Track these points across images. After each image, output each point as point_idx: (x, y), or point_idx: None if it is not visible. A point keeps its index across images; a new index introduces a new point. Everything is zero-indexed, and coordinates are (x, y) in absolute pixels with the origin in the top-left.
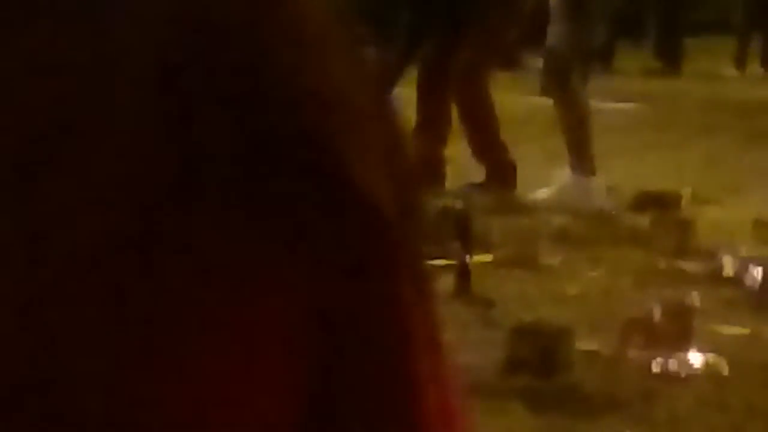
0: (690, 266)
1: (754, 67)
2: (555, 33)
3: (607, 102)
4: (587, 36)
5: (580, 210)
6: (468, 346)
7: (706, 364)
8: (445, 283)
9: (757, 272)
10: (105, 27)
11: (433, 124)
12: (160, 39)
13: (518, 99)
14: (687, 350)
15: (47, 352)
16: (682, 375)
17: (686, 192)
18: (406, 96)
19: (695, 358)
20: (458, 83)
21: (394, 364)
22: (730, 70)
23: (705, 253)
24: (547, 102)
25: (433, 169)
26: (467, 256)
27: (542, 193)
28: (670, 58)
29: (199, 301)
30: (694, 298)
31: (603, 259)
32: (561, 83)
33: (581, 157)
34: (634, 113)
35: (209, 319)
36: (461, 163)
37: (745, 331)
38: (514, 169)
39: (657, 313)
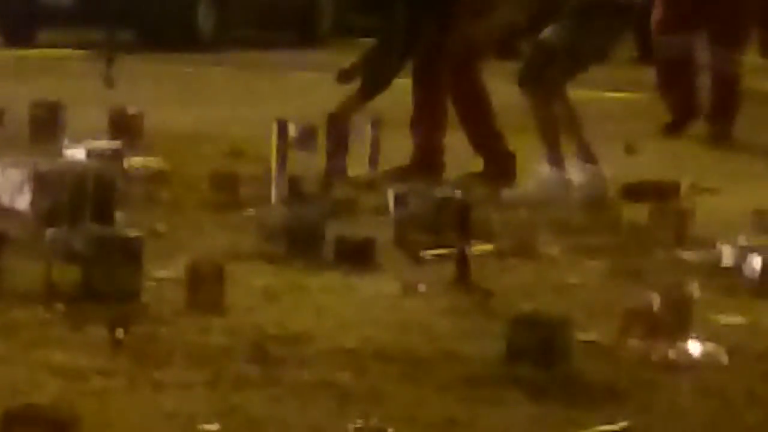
0: (689, 255)
1: (751, 56)
2: (554, 29)
3: (605, 91)
4: (587, 40)
5: (559, 204)
6: (467, 335)
7: (706, 354)
8: (445, 272)
9: (757, 261)
10: None
11: (429, 114)
12: None
13: (515, 88)
14: (686, 339)
15: None
16: (682, 364)
17: (685, 181)
18: (403, 86)
19: (695, 348)
20: (451, 72)
21: None
22: None
23: (704, 242)
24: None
25: (431, 159)
26: (466, 246)
27: (521, 189)
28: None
29: None
30: (694, 287)
31: (602, 248)
32: (537, 76)
33: (555, 151)
34: (632, 102)
35: None
36: (460, 153)
37: (745, 320)
38: (512, 158)
39: (656, 303)
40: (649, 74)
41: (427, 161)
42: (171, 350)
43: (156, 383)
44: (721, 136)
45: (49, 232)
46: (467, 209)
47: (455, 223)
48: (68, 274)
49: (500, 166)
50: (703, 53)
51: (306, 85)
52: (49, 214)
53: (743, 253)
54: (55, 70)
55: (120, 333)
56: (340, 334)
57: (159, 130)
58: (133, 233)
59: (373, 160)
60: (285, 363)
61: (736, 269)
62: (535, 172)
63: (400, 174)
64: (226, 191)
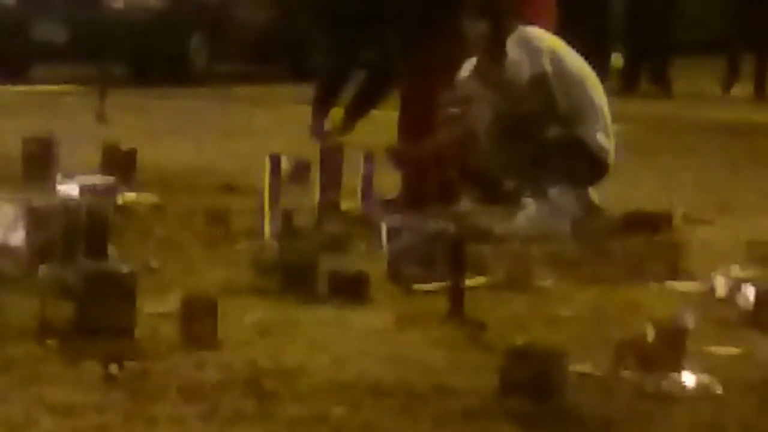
0: (682, 287)
1: (742, 88)
2: None
3: None
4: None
5: (555, 235)
6: (461, 368)
7: (700, 385)
8: (438, 305)
9: (750, 292)
10: None
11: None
12: None
13: None
14: (680, 371)
15: None
16: (676, 396)
17: (678, 213)
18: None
19: (689, 379)
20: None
21: None
22: (717, 92)
23: (697, 273)
24: None
25: (448, 191)
26: (460, 279)
27: (514, 223)
28: (660, 81)
29: None
30: (687, 318)
31: (595, 280)
32: None
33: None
34: (624, 135)
35: None
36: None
37: (739, 351)
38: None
39: (650, 335)
40: (632, 106)
41: (416, 194)
42: (165, 385)
43: (150, 419)
44: None
45: (43, 268)
46: (461, 242)
47: (449, 256)
48: (62, 310)
49: (417, 191)
50: None
51: (298, 118)
52: (42, 250)
53: (737, 284)
54: (48, 105)
55: (114, 368)
56: (334, 368)
57: (152, 165)
58: (126, 269)
59: (367, 194)
60: (279, 397)
61: (730, 300)
62: (523, 206)
63: (390, 207)
64: (220, 226)
